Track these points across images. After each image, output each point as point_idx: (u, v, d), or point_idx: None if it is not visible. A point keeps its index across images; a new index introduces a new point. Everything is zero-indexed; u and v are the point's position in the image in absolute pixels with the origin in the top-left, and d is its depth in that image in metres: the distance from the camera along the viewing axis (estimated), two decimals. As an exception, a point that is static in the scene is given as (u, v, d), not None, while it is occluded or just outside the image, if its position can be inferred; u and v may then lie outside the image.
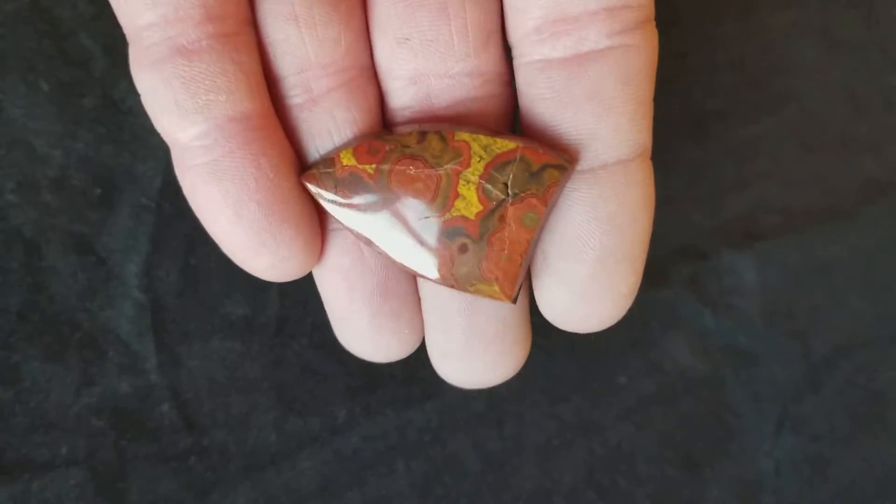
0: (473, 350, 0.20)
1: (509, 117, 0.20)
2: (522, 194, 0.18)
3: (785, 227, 0.28)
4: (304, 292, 0.26)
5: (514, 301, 0.19)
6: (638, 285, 0.20)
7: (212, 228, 0.19)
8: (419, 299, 0.20)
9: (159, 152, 0.25)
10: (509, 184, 0.18)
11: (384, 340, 0.20)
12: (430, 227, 0.19)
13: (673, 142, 0.28)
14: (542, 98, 0.19)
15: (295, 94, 0.19)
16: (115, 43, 0.25)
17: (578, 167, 0.19)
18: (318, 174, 0.19)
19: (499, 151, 0.18)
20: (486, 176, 0.18)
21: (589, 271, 0.19)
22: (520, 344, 0.21)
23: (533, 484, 0.27)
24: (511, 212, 0.18)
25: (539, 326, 0.27)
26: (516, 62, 0.20)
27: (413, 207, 0.19)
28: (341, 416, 0.26)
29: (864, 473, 0.28)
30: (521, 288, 0.20)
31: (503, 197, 0.18)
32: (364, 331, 0.20)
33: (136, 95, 0.25)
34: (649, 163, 0.20)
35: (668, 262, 0.28)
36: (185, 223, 0.26)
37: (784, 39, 0.29)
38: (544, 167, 0.18)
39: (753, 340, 0.28)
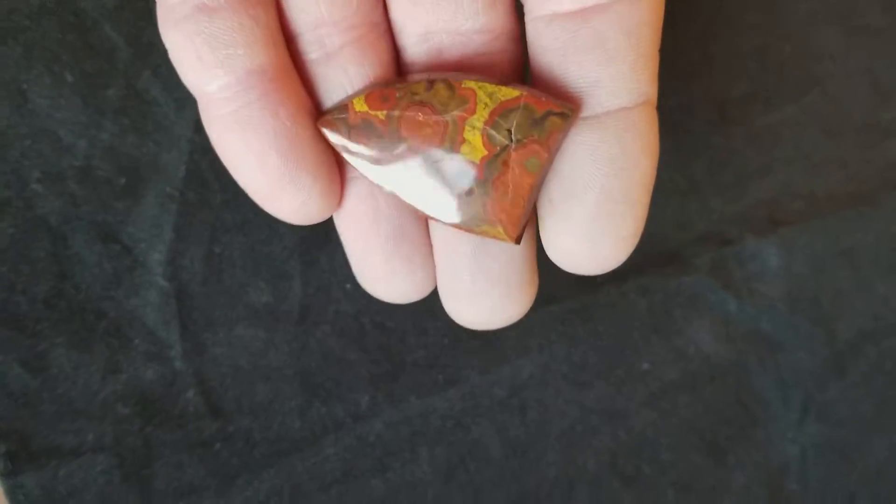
0: (480, 289, 0.21)
1: (518, 72, 0.21)
2: (525, 140, 0.19)
3: (808, 213, 0.28)
4: (326, 280, 0.26)
5: (518, 241, 0.20)
6: (639, 231, 0.20)
7: (236, 175, 0.20)
8: (431, 244, 0.21)
9: (182, 142, 0.26)
10: (513, 130, 0.19)
11: (398, 282, 0.21)
12: (439, 171, 0.19)
13: (696, 128, 0.28)
14: (548, 49, 0.20)
15: (311, 51, 0.20)
16: (138, 34, 0.25)
17: (583, 114, 0.20)
18: (333, 120, 0.20)
19: (503, 99, 0.19)
20: (491, 122, 0.19)
21: (590, 211, 0.20)
22: (525, 286, 0.21)
23: (556, 470, 0.27)
24: (514, 157, 0.19)
25: (561, 314, 0.27)
26: (526, 18, 0.21)
27: (422, 152, 0.19)
28: (364, 403, 0.26)
29: (889, 459, 0.28)
30: (525, 231, 0.20)
31: (507, 143, 0.19)
32: (380, 274, 0.21)
33: (160, 86, 0.26)
34: (653, 112, 0.20)
35: (691, 249, 0.28)
36: (208, 212, 0.26)
37: (806, 26, 0.28)
38: (547, 114, 0.19)
39: (777, 326, 0.28)
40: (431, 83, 0.19)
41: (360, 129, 0.20)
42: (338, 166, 0.21)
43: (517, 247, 0.21)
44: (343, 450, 0.26)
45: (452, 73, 0.20)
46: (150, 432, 0.26)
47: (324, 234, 0.26)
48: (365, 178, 0.20)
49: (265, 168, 0.19)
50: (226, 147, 0.20)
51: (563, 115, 0.19)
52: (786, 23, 0.28)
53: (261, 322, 0.26)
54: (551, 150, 0.19)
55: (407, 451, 0.27)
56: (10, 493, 0.25)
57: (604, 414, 0.27)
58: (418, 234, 0.21)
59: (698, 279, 0.28)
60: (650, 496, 0.27)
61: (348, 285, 0.26)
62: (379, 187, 0.20)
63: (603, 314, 0.28)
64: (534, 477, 0.27)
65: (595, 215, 0.20)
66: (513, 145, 0.19)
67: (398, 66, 0.21)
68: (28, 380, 0.25)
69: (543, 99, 0.19)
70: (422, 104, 0.19)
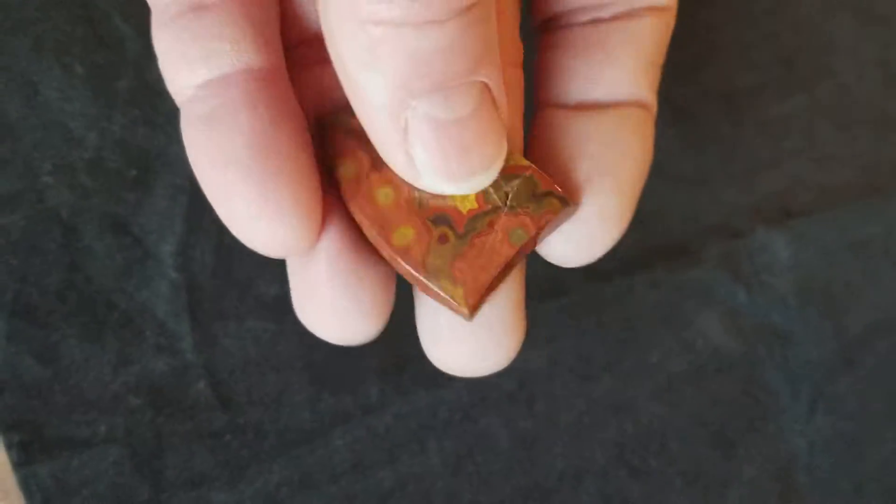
0: (460, 335, 0.19)
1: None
2: (519, 209, 0.18)
3: (819, 205, 0.28)
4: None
5: (472, 313, 0.18)
6: (627, 219, 0.20)
7: (206, 186, 0.18)
8: (393, 282, 0.20)
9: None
10: (510, 195, 0.18)
11: (344, 322, 0.19)
12: (422, 206, 0.18)
13: (705, 119, 0.28)
14: (553, 47, 0.21)
15: (313, 58, 0.19)
16: (148, 25, 0.25)
17: (577, 104, 0.20)
18: (338, 118, 0.19)
19: (511, 163, 0.18)
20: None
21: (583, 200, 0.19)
22: (510, 333, 0.20)
23: (564, 462, 0.27)
24: (502, 221, 0.18)
25: (569, 307, 0.27)
26: (540, 37, 0.21)
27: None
28: (373, 395, 0.27)
29: (899, 453, 0.28)
30: (512, 271, 0.19)
31: (500, 205, 0.18)
32: (324, 311, 0.19)
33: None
34: (649, 116, 0.20)
35: (701, 241, 0.28)
36: (218, 204, 0.26)
37: (818, 15, 0.28)
38: (548, 193, 0.18)
39: (787, 319, 0.28)
40: None
41: (362, 136, 0.18)
42: (321, 195, 0.18)
43: (503, 290, 0.19)
44: (352, 441, 0.26)
45: None
46: (161, 423, 0.26)
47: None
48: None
49: (233, 168, 0.17)
50: (196, 150, 0.17)
51: (562, 200, 0.18)
52: (797, 12, 0.28)
53: (271, 314, 0.26)
54: (540, 229, 0.18)
55: (415, 442, 0.27)
56: (23, 484, 0.25)
57: (611, 406, 0.27)
58: (375, 270, 0.19)
59: (707, 271, 0.28)
60: (658, 488, 0.27)
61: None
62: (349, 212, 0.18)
63: (611, 306, 0.28)
64: (541, 469, 0.27)
65: (585, 198, 0.19)
66: (505, 209, 0.18)
67: None
68: (40, 371, 0.25)
69: (549, 179, 0.18)
70: None
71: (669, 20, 0.21)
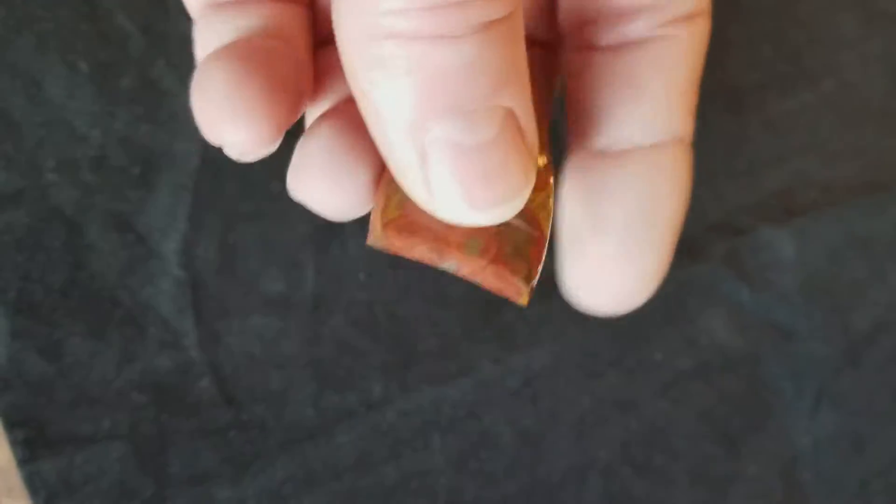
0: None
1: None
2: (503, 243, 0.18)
3: (824, 202, 0.28)
4: (339, 270, 0.26)
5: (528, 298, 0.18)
6: (663, 271, 0.19)
7: (197, 75, 0.18)
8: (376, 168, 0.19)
9: (196, 132, 0.25)
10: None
11: (334, 188, 0.18)
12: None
13: (709, 115, 0.28)
14: (578, 76, 0.19)
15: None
16: (152, 23, 0.25)
17: (609, 149, 0.19)
18: None
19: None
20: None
21: (611, 251, 0.19)
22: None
23: (568, 460, 0.27)
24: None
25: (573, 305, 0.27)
26: (564, 48, 0.20)
27: None
28: (377, 392, 0.27)
29: (904, 450, 0.28)
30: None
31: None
32: (316, 175, 0.18)
33: (174, 76, 0.26)
34: (686, 150, 0.19)
35: (704, 238, 0.28)
36: (222, 201, 0.26)
37: (822, 11, 0.28)
38: (524, 261, 0.18)
39: (791, 316, 0.28)
40: None
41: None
42: (292, 106, 0.18)
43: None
44: (356, 438, 0.26)
45: None
46: (165, 420, 0.26)
47: (338, 224, 0.26)
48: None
49: (225, 63, 0.17)
50: (201, 42, 0.18)
51: (524, 281, 0.17)
52: (802, 9, 0.28)
53: (274, 311, 0.26)
54: (490, 274, 0.17)
55: (419, 439, 0.27)
56: (28, 480, 0.25)
57: (616, 404, 0.27)
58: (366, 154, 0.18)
59: (712, 269, 0.28)
60: (662, 486, 0.27)
61: (361, 275, 0.27)
62: None
63: (616, 304, 0.28)
64: (546, 466, 0.27)
65: (616, 254, 0.19)
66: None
67: None
68: (44, 368, 0.25)
69: (537, 256, 0.18)
70: None
71: (704, 29, 0.19)
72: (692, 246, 0.28)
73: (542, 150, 0.18)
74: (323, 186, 0.18)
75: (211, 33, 0.18)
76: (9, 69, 0.25)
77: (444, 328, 0.27)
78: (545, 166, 0.18)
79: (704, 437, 0.28)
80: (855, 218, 0.28)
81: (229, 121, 0.17)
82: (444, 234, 0.17)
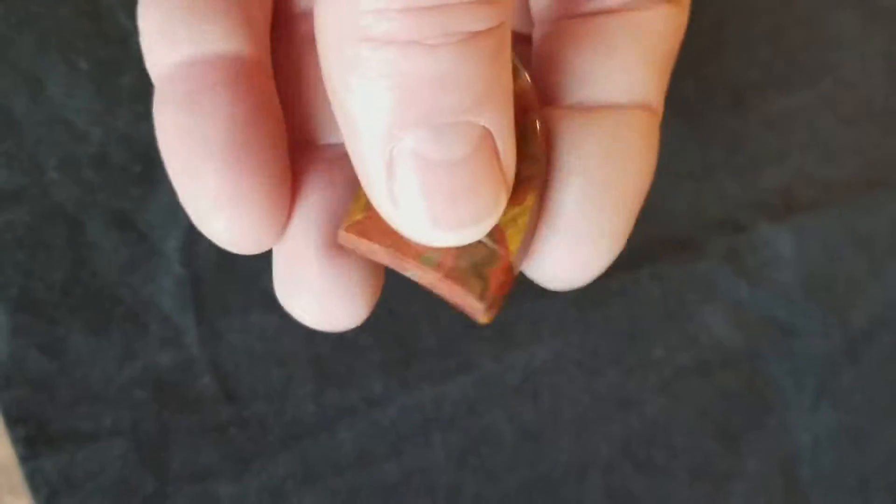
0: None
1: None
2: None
3: (823, 200, 0.28)
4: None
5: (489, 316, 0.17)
6: (625, 235, 0.18)
7: (172, 166, 0.17)
8: (382, 269, 0.19)
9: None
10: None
11: (332, 304, 0.18)
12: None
13: (710, 113, 0.28)
14: (551, 38, 0.19)
15: (300, 36, 0.19)
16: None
17: (574, 105, 0.18)
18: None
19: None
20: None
21: (571, 210, 0.18)
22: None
23: (568, 456, 0.27)
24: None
25: (574, 301, 0.27)
26: (536, 21, 0.20)
27: None
28: (378, 389, 0.27)
29: (903, 446, 0.28)
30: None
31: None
32: (313, 297, 0.18)
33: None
34: (653, 120, 0.18)
35: (704, 235, 0.28)
36: (223, 199, 0.26)
37: (822, 9, 0.28)
38: (483, 286, 0.17)
39: (791, 313, 0.28)
40: None
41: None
42: (289, 189, 0.18)
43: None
44: (357, 435, 0.27)
45: None
46: (167, 417, 0.26)
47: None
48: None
49: (210, 158, 0.16)
50: (169, 127, 0.17)
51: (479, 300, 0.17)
52: (801, 7, 0.28)
53: (275, 308, 0.26)
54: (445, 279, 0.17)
55: (420, 436, 0.27)
56: (29, 477, 0.25)
57: (616, 400, 0.27)
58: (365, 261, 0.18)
59: (712, 266, 0.28)
60: (663, 482, 0.27)
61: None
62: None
63: (616, 301, 0.28)
64: (546, 462, 0.27)
65: (576, 215, 0.17)
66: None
67: None
68: (46, 365, 0.25)
69: (498, 289, 0.17)
70: None
71: (682, 16, 0.19)
72: (692, 243, 0.28)
73: (531, 160, 0.17)
74: (321, 306, 0.18)
75: (167, 29, 0.17)
76: (10, 67, 0.25)
77: (445, 325, 0.27)
78: (528, 179, 0.17)
79: (704, 434, 0.28)
80: (854, 215, 0.28)
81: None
82: (403, 242, 0.17)
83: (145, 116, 0.26)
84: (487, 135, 0.15)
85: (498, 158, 0.15)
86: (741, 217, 0.28)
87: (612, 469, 0.27)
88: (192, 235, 0.26)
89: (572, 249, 0.18)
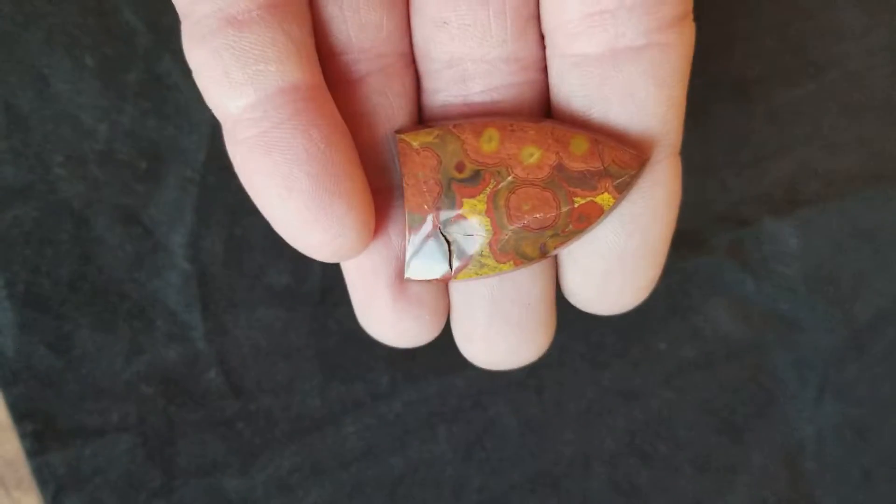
0: (496, 332, 0.20)
1: (545, 104, 0.20)
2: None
3: (827, 193, 0.28)
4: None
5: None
6: (657, 277, 0.20)
7: (263, 204, 0.18)
8: (447, 291, 0.21)
9: (203, 126, 0.26)
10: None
11: (405, 326, 0.20)
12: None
13: (714, 107, 0.28)
14: (573, 94, 0.19)
15: (337, 77, 0.19)
16: (158, 18, 0.25)
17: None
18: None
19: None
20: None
21: (609, 267, 0.20)
22: (542, 329, 0.21)
23: (573, 449, 0.27)
24: None
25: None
26: (549, 53, 0.20)
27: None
28: (383, 383, 0.27)
29: (908, 439, 0.28)
30: (544, 273, 0.20)
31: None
32: (385, 316, 0.20)
33: (180, 70, 0.26)
34: (678, 159, 0.20)
35: (709, 229, 0.28)
36: (229, 195, 0.26)
37: (826, 2, 0.28)
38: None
39: (795, 306, 0.28)
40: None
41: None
42: (371, 198, 0.19)
43: (535, 289, 0.20)
44: (363, 428, 0.27)
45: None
46: (173, 412, 0.26)
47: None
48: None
49: (294, 193, 0.17)
50: (252, 172, 0.18)
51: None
52: (806, 0, 0.28)
53: (281, 303, 0.26)
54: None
55: (426, 429, 0.27)
56: (37, 472, 0.25)
57: (621, 393, 0.27)
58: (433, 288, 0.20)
59: (716, 259, 0.28)
60: (667, 474, 0.28)
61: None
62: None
63: (620, 294, 0.28)
64: (551, 455, 0.27)
65: (614, 270, 0.19)
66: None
67: (419, 93, 0.20)
68: (53, 361, 0.26)
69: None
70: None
71: (691, 32, 0.19)
72: (697, 237, 0.28)
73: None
74: (397, 332, 0.20)
75: (222, 70, 0.18)
76: (16, 64, 0.25)
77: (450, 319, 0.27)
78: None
79: (709, 427, 0.28)
80: (859, 209, 0.28)
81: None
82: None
83: (151, 113, 0.26)
84: None
85: None
86: (745, 211, 0.28)
87: (617, 462, 0.27)
88: (198, 231, 0.26)
89: (611, 300, 0.20)
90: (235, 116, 0.18)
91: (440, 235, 0.19)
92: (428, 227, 0.19)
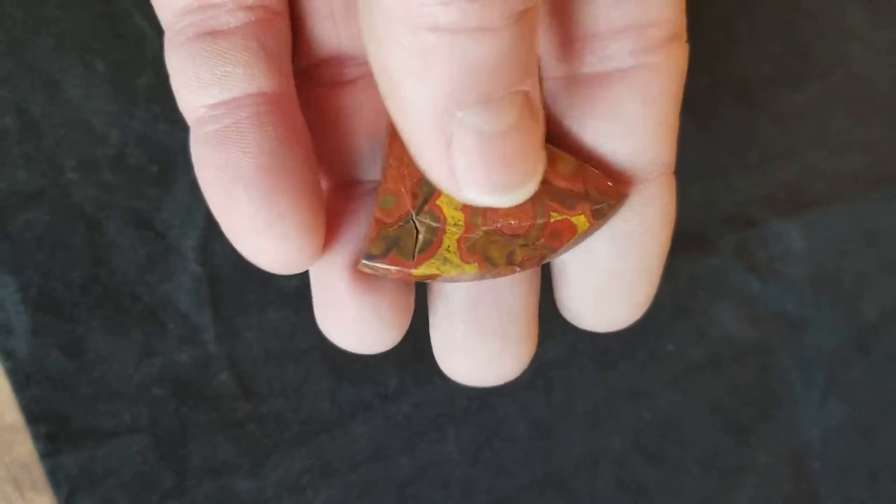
0: (474, 343, 0.20)
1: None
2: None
3: (833, 195, 0.28)
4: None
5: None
6: (652, 295, 0.20)
7: (210, 197, 0.18)
8: (411, 292, 0.20)
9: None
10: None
11: (365, 333, 0.19)
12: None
13: (720, 109, 0.28)
14: (565, 115, 0.19)
15: (328, 80, 0.20)
16: (167, 23, 0.26)
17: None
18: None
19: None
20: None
21: (603, 284, 0.19)
22: (523, 342, 0.20)
23: (581, 449, 0.27)
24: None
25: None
26: (542, 74, 0.20)
27: None
28: (392, 385, 0.27)
29: (913, 439, 0.28)
30: (526, 285, 0.20)
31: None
32: (346, 322, 0.19)
33: (189, 74, 0.26)
34: (671, 178, 0.20)
35: (715, 230, 0.28)
36: (238, 198, 0.26)
37: (830, 4, 0.28)
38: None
39: (801, 307, 0.28)
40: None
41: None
42: (323, 212, 0.19)
43: (516, 298, 0.20)
44: (372, 430, 0.27)
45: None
46: (185, 413, 0.26)
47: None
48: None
49: (240, 185, 0.17)
50: (204, 166, 0.18)
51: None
52: (810, 2, 0.28)
53: (291, 306, 0.26)
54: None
55: (434, 431, 0.27)
56: (50, 474, 0.26)
57: (628, 394, 0.28)
58: (394, 285, 0.20)
59: (722, 261, 0.28)
60: (674, 475, 0.28)
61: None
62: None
63: (627, 296, 0.28)
64: (558, 456, 0.27)
65: (608, 288, 0.19)
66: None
67: None
68: (66, 363, 0.26)
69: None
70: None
71: (682, 53, 0.19)
72: (703, 238, 0.28)
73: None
74: (356, 332, 0.19)
75: (193, 72, 0.18)
76: (28, 70, 0.25)
77: (458, 321, 0.27)
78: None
79: (715, 427, 0.28)
80: (864, 210, 0.28)
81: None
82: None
83: (162, 117, 0.26)
84: (527, 97, 0.16)
85: (536, 115, 0.16)
86: (751, 212, 0.28)
87: (624, 462, 0.27)
88: (209, 234, 0.26)
89: (606, 317, 0.20)
90: (200, 115, 0.18)
91: (411, 222, 0.19)
92: (398, 212, 0.19)
